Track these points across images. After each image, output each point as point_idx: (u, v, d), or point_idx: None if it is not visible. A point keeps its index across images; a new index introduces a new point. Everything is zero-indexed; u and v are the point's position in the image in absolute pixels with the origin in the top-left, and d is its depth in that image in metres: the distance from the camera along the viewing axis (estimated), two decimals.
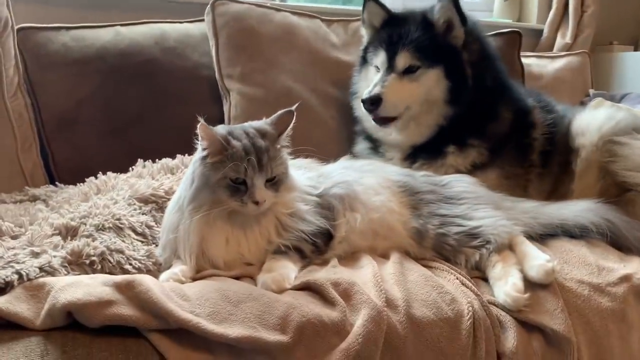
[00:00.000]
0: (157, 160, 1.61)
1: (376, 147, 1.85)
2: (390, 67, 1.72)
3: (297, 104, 1.28)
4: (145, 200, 1.39)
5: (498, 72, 1.80)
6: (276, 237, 1.24)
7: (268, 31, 2.02)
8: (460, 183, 1.48)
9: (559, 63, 2.76)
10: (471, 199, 1.43)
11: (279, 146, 1.25)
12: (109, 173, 1.56)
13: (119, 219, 1.26)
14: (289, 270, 1.17)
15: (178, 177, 1.49)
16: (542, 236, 1.45)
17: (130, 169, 1.58)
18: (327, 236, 1.29)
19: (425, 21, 1.72)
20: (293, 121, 1.26)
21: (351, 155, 1.88)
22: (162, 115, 1.93)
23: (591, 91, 2.80)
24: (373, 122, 1.73)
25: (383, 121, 1.71)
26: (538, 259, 1.28)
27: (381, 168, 1.50)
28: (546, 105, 1.91)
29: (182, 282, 1.13)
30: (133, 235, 1.26)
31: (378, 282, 1.15)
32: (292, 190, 1.29)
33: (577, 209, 1.50)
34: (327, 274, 1.16)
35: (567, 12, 3.05)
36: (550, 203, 1.56)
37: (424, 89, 1.69)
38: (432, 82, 1.69)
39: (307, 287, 1.13)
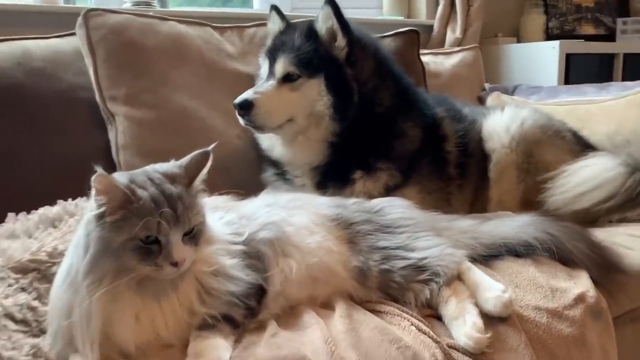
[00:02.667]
0: (33, 210, 1.32)
1: (283, 173, 1.71)
2: (271, 74, 1.63)
3: (214, 144, 1.04)
4: (23, 270, 1.11)
5: (400, 90, 1.70)
6: (199, 305, 1.00)
7: (154, 44, 1.78)
8: (395, 209, 1.33)
9: (454, 59, 2.77)
10: (410, 226, 1.29)
11: (194, 192, 1.03)
12: None
13: None
14: (221, 353, 0.94)
15: (63, 231, 1.21)
16: (486, 257, 1.34)
17: None
18: (259, 293, 1.08)
19: (310, 29, 1.62)
20: (209, 163, 1.03)
21: (262, 181, 1.72)
22: (35, 149, 1.65)
23: (486, 85, 2.83)
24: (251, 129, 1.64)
25: (255, 125, 1.60)
26: (492, 290, 1.16)
27: (310, 201, 1.30)
28: (455, 114, 1.87)
29: None
30: (11, 325, 0.97)
31: (331, 350, 0.96)
32: (212, 242, 1.06)
33: (517, 225, 1.41)
34: (269, 348, 0.95)
35: (454, 6, 3.05)
36: (487, 220, 1.46)
37: (306, 100, 1.59)
38: (313, 93, 1.59)
39: None
